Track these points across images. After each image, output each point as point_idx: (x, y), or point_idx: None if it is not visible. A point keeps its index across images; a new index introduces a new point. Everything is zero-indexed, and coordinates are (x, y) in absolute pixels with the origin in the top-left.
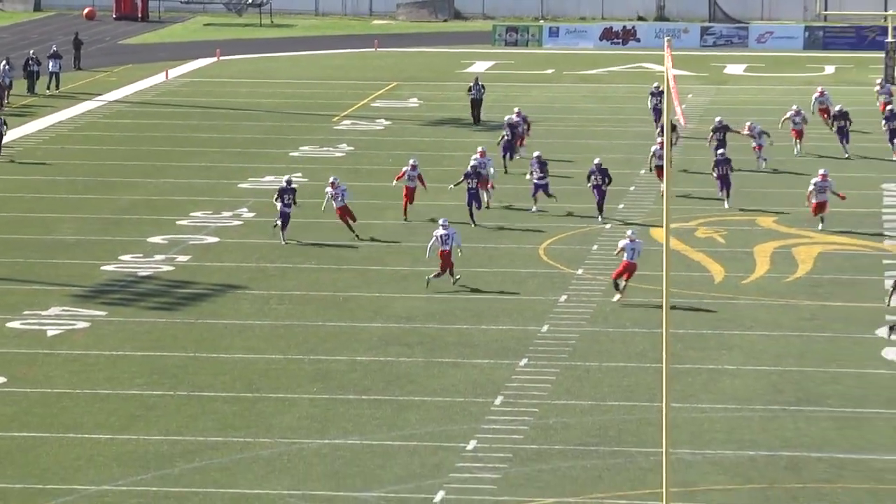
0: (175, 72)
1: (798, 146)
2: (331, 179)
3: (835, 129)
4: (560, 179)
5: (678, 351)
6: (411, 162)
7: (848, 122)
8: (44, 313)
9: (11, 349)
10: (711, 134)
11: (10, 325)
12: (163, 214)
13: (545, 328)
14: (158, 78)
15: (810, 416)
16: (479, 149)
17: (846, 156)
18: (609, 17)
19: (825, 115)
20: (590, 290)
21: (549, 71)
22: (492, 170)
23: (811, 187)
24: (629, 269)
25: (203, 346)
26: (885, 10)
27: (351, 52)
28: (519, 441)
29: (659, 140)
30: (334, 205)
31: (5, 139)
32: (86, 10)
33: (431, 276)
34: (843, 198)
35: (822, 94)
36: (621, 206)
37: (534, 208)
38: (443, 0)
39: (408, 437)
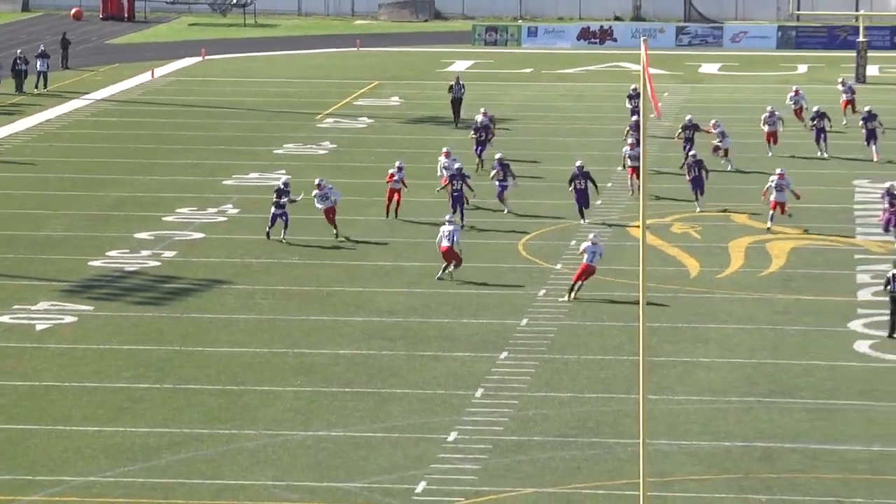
0: (161, 71)
1: (772, 148)
2: (316, 181)
3: (813, 129)
4: (532, 180)
5: (654, 344)
6: (398, 164)
7: (827, 123)
8: (32, 308)
9: (0, 343)
10: (680, 131)
11: None
12: (149, 211)
13: (524, 322)
14: (144, 77)
15: (784, 408)
16: (444, 149)
17: (825, 156)
18: (586, 18)
19: (799, 115)
20: (568, 285)
21: (528, 70)
22: (457, 166)
23: (769, 184)
24: (587, 272)
25: (189, 339)
26: (857, 11)
27: (333, 51)
28: (499, 432)
29: (630, 141)
30: (319, 205)
31: None
32: (73, 11)
33: (440, 272)
34: (798, 196)
35: (796, 93)
36: (598, 202)
37: (505, 210)
38: (423, 0)
39: (390, 429)
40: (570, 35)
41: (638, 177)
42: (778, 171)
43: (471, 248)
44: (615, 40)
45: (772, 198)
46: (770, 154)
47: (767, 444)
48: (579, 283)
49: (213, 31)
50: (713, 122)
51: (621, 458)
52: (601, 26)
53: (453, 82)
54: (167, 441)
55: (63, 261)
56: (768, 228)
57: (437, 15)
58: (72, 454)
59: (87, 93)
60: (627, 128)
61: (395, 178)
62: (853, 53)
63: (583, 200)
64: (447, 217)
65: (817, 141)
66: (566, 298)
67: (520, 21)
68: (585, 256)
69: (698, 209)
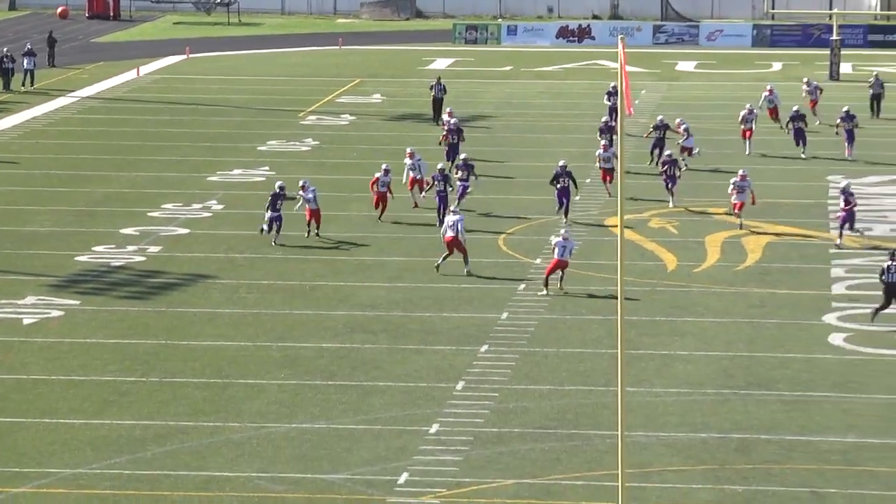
0: (146, 69)
1: (749, 146)
2: (301, 183)
3: (792, 130)
4: (511, 176)
5: (633, 337)
6: (384, 167)
7: (805, 124)
8: (20, 302)
9: None
10: (651, 130)
11: None
12: (135, 207)
13: (505, 316)
14: (130, 75)
15: (760, 400)
16: (408, 150)
17: (803, 156)
18: (565, 16)
19: (773, 115)
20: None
21: (508, 68)
22: (424, 165)
23: (731, 186)
24: (559, 266)
25: (174, 333)
26: (830, 9)
27: (316, 49)
28: (480, 424)
29: (603, 143)
30: (306, 205)
31: None
32: (59, 9)
33: (441, 260)
34: (755, 202)
35: (771, 92)
36: (577, 197)
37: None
38: None
39: (373, 421)
40: (549, 33)
41: (610, 180)
42: (741, 172)
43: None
44: (593, 39)
45: (734, 199)
46: (748, 152)
47: (743, 435)
48: (560, 274)
49: (197, 30)
50: (678, 120)
51: (600, 450)
52: (579, 25)
53: (434, 82)
54: (153, 433)
55: (50, 256)
56: (740, 226)
57: (418, 13)
58: (59, 446)
59: (73, 90)
60: (599, 130)
61: (381, 181)
62: (827, 51)
63: (565, 199)
64: (452, 207)
65: (797, 142)
66: (543, 292)
67: (499, 20)
68: (556, 251)
69: (671, 205)
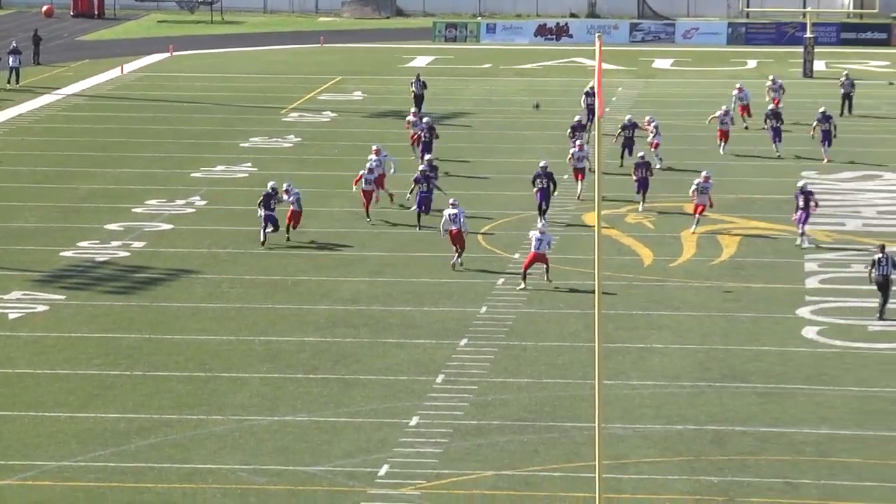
0: (130, 67)
1: (723, 146)
2: (285, 186)
3: (768, 129)
4: (490, 172)
5: (610, 331)
6: (368, 165)
7: (780, 123)
8: (5, 297)
9: None
10: (619, 131)
11: None
12: (119, 203)
13: (484, 310)
14: (114, 73)
15: (735, 392)
16: (374, 147)
17: (777, 154)
18: (543, 14)
19: (744, 112)
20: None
21: (487, 65)
22: (392, 163)
23: (693, 187)
24: (537, 260)
25: (158, 328)
26: (804, 8)
27: (298, 47)
28: (459, 417)
29: (578, 143)
30: (291, 206)
31: None
32: (44, 8)
33: (453, 260)
34: (712, 205)
35: (740, 90)
36: (555, 193)
37: (418, 228)
38: None
39: (354, 414)
40: (528, 32)
41: (582, 179)
42: (704, 173)
43: (432, 239)
44: (571, 37)
45: (695, 200)
46: (722, 152)
47: (718, 427)
48: (544, 267)
49: (180, 28)
50: (647, 118)
51: (578, 442)
52: (557, 23)
53: (414, 79)
54: (137, 426)
55: (35, 251)
56: (693, 232)
57: (398, 12)
58: (44, 439)
59: (58, 88)
60: (570, 129)
61: (364, 179)
62: (801, 49)
63: (545, 200)
64: (451, 201)
65: (774, 140)
66: (522, 286)
67: (479, 18)
68: (533, 244)
69: (640, 208)
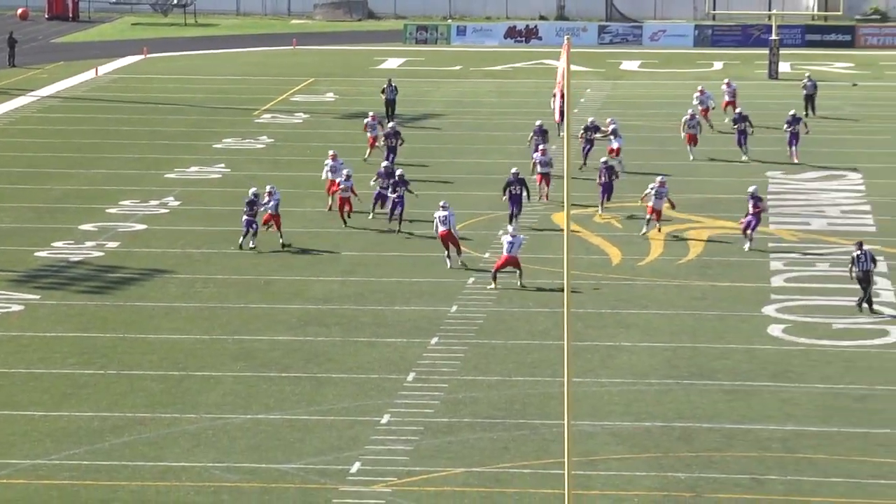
0: (104, 69)
1: (692, 151)
2: (268, 188)
3: (735, 132)
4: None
5: (579, 329)
6: (346, 172)
7: (748, 126)
8: None
9: None
10: (582, 132)
11: None
12: (93, 203)
13: (454, 308)
14: (89, 75)
15: (702, 390)
16: (331, 152)
17: (744, 159)
18: (513, 17)
19: (705, 114)
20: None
21: (457, 67)
22: (345, 171)
23: (648, 191)
24: (509, 262)
25: (132, 327)
26: (770, 10)
27: (271, 49)
28: (430, 415)
29: (541, 148)
30: (267, 210)
31: None
32: (19, 11)
33: (448, 261)
34: (673, 207)
35: (702, 93)
36: (529, 199)
37: (370, 216)
38: (357, 1)
39: (326, 412)
40: (498, 34)
41: (547, 184)
42: (659, 178)
43: (402, 238)
44: (540, 39)
45: (649, 203)
46: (692, 158)
47: (686, 424)
48: (517, 272)
49: (154, 31)
50: (608, 120)
51: (547, 439)
52: (527, 25)
53: (385, 85)
54: (111, 425)
55: (10, 252)
56: (643, 234)
57: (370, 14)
58: (18, 438)
59: (33, 90)
60: (531, 134)
61: (342, 186)
62: (766, 51)
63: (516, 206)
64: (441, 203)
65: (739, 144)
66: (492, 286)
67: (449, 20)
68: (505, 248)
69: (600, 210)
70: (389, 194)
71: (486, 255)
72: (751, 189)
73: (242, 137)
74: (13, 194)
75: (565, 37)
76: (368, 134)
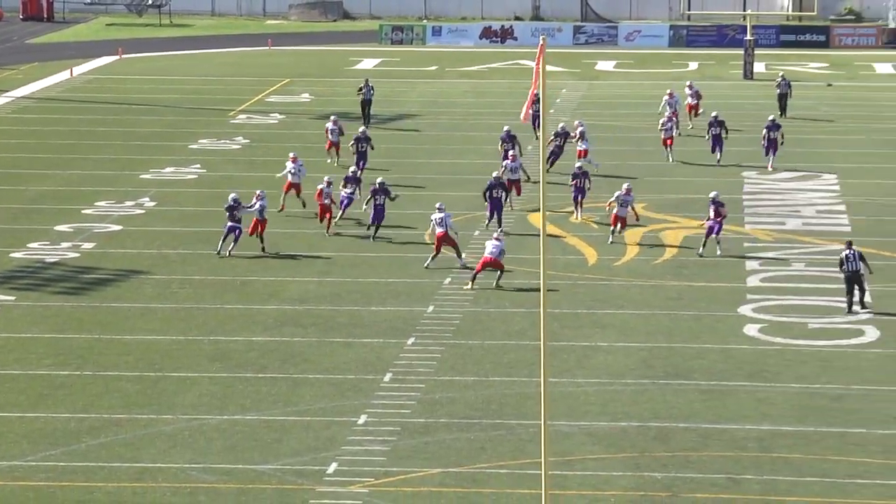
0: (79, 69)
1: (670, 154)
2: (257, 192)
3: (709, 136)
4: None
5: (555, 329)
6: (326, 179)
7: (723, 131)
8: None
9: None
10: (552, 138)
11: None
12: (69, 204)
13: (431, 309)
14: (64, 75)
15: (678, 389)
16: (291, 154)
17: (717, 161)
18: (488, 17)
19: (675, 117)
20: (471, 274)
21: (433, 67)
22: (304, 171)
23: (613, 198)
24: (491, 264)
25: (108, 328)
26: (744, 10)
27: (246, 50)
28: (407, 415)
29: (511, 153)
30: (253, 214)
31: None
32: None
33: (429, 261)
34: (637, 218)
35: (671, 96)
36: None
37: (337, 217)
38: (332, 1)
39: (302, 413)
40: (473, 34)
41: (518, 192)
42: (625, 185)
43: (378, 239)
44: (515, 39)
45: (614, 212)
46: (671, 161)
47: (662, 423)
48: (498, 273)
49: (129, 31)
50: (576, 122)
51: (523, 439)
52: (502, 26)
53: (363, 84)
54: (87, 426)
55: None
56: (610, 243)
57: (345, 15)
58: None
59: (7, 91)
60: (500, 140)
61: (325, 193)
62: (741, 51)
63: (498, 210)
64: (438, 205)
65: (713, 149)
66: (469, 286)
67: (425, 21)
68: (488, 249)
69: (578, 217)
70: (347, 194)
71: (463, 255)
72: (712, 194)
73: (218, 138)
74: None
75: (541, 37)
76: (329, 138)
